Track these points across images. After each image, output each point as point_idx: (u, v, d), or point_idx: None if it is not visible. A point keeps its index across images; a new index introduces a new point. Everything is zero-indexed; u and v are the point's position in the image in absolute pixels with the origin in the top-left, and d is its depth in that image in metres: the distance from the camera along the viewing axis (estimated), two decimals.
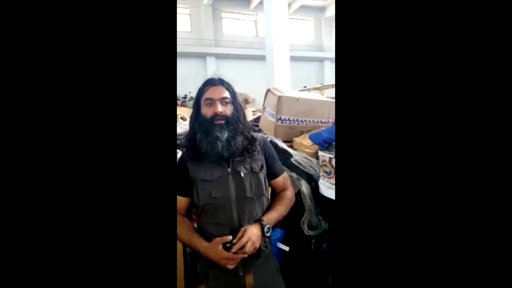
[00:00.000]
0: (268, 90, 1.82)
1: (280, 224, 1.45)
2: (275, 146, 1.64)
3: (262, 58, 5.89)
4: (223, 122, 0.88)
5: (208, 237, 0.89)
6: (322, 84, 4.52)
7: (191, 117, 0.95)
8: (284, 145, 1.63)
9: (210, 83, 0.93)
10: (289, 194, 1.03)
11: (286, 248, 1.38)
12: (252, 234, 0.85)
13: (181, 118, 1.87)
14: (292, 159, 1.53)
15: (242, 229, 0.85)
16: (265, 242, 0.93)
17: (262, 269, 0.93)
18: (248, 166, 0.92)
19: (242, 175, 0.90)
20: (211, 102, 0.90)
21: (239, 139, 0.90)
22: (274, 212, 0.95)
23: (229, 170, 0.90)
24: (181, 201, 0.93)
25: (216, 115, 0.88)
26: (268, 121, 1.80)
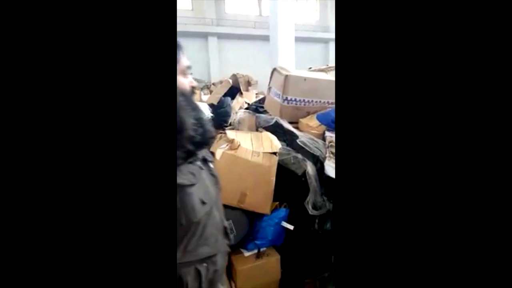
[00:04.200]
0: (274, 69, 1.77)
1: (285, 203, 1.46)
2: (281, 127, 1.62)
3: (265, 38, 5.71)
4: None
5: (200, 262, 0.66)
6: (327, 65, 4.40)
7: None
8: (290, 126, 1.61)
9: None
10: None
11: (291, 227, 1.40)
12: None
13: None
14: (298, 140, 1.52)
15: None
16: None
17: None
18: (210, 153, 0.75)
19: (212, 165, 0.72)
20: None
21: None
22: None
23: (198, 163, 0.67)
24: None
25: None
26: (273, 102, 1.77)
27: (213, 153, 1.49)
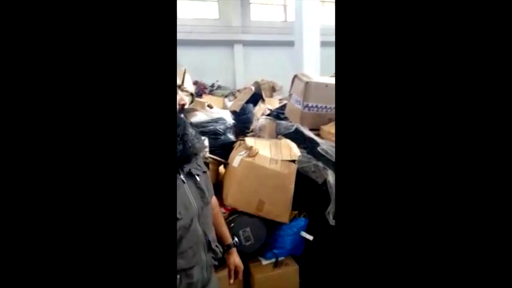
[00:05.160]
0: (295, 76, 1.76)
1: (304, 213, 1.43)
2: (301, 134, 1.60)
3: (290, 43, 5.70)
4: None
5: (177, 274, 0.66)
6: None
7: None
8: (310, 134, 1.58)
9: None
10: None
11: (310, 237, 1.37)
12: (238, 262, 0.90)
13: (208, 106, 1.89)
14: (318, 148, 1.48)
15: (231, 266, 0.89)
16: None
17: None
18: (199, 166, 0.77)
19: (198, 179, 0.73)
20: None
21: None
22: (224, 226, 0.93)
23: (181, 177, 0.70)
24: None
25: None
26: (294, 109, 1.75)
27: (221, 163, 1.49)
